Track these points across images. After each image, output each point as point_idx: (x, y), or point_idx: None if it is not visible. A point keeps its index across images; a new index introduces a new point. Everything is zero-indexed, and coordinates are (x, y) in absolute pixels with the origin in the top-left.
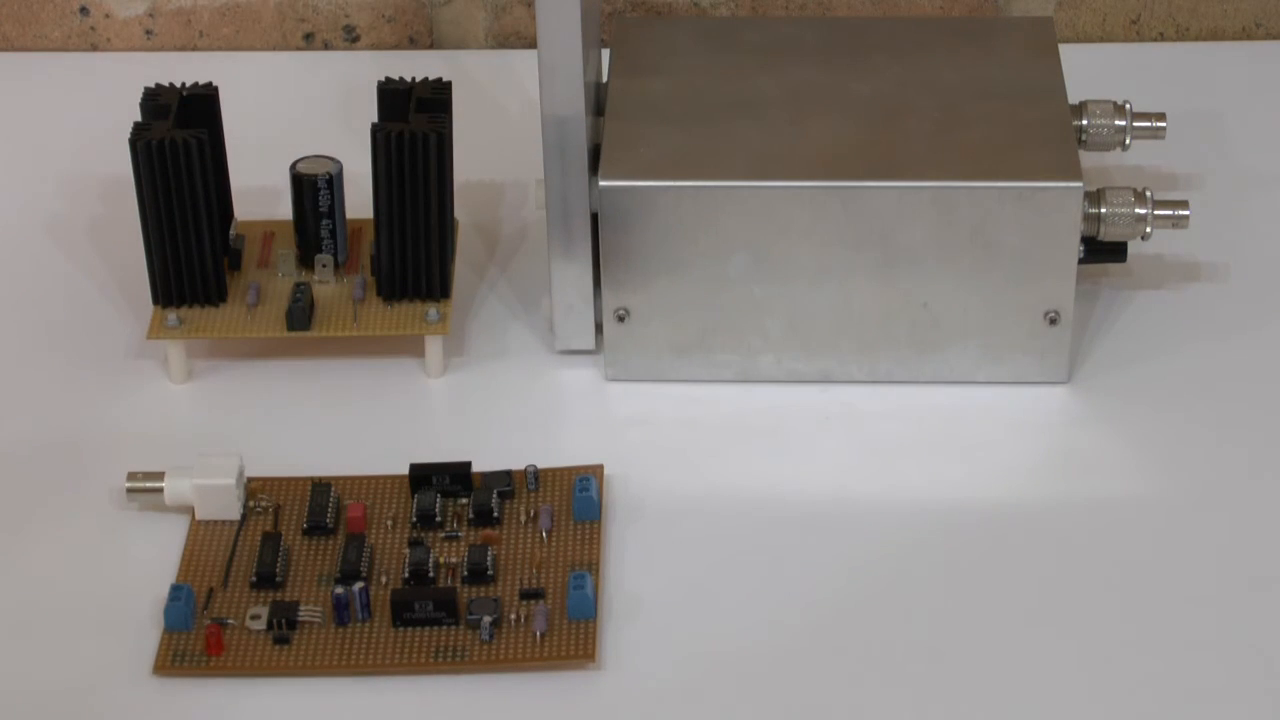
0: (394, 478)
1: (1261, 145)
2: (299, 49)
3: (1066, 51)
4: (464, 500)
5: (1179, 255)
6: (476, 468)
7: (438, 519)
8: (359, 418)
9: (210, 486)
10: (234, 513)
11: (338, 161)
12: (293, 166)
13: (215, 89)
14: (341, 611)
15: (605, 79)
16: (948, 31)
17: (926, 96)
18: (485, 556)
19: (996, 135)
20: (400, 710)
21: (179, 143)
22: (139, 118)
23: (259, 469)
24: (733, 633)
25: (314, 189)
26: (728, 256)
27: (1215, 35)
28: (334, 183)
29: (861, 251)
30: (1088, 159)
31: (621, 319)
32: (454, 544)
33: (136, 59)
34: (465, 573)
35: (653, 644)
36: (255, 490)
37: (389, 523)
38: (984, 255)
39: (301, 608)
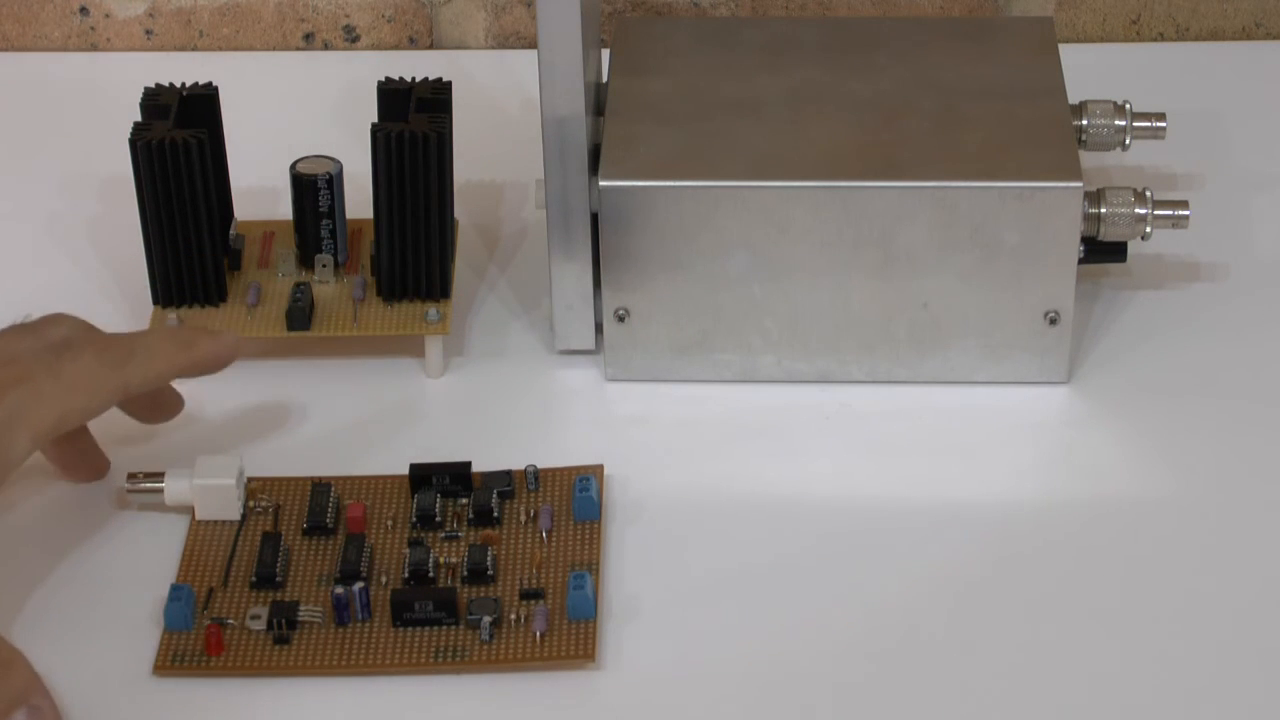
0: (394, 478)
1: (1261, 145)
2: (299, 49)
3: (1066, 51)
4: (464, 500)
5: (1179, 255)
6: (476, 468)
7: (438, 519)
8: (359, 418)
9: (210, 486)
10: (234, 513)
11: (338, 161)
12: (293, 166)
13: (215, 89)
14: (341, 611)
15: (605, 79)
16: (948, 31)
17: (926, 96)
18: (485, 556)
19: (996, 135)
20: (400, 710)
21: (179, 143)
22: (139, 118)
23: (259, 469)
24: (733, 633)
25: (314, 189)
26: (728, 256)
27: (1215, 35)
28: (334, 183)
29: (861, 251)
30: (1088, 159)
31: (621, 319)
32: (454, 544)
33: (136, 59)
34: (465, 573)
35: (653, 644)
36: (255, 490)
37: (389, 523)
38: (984, 255)
39: (301, 608)
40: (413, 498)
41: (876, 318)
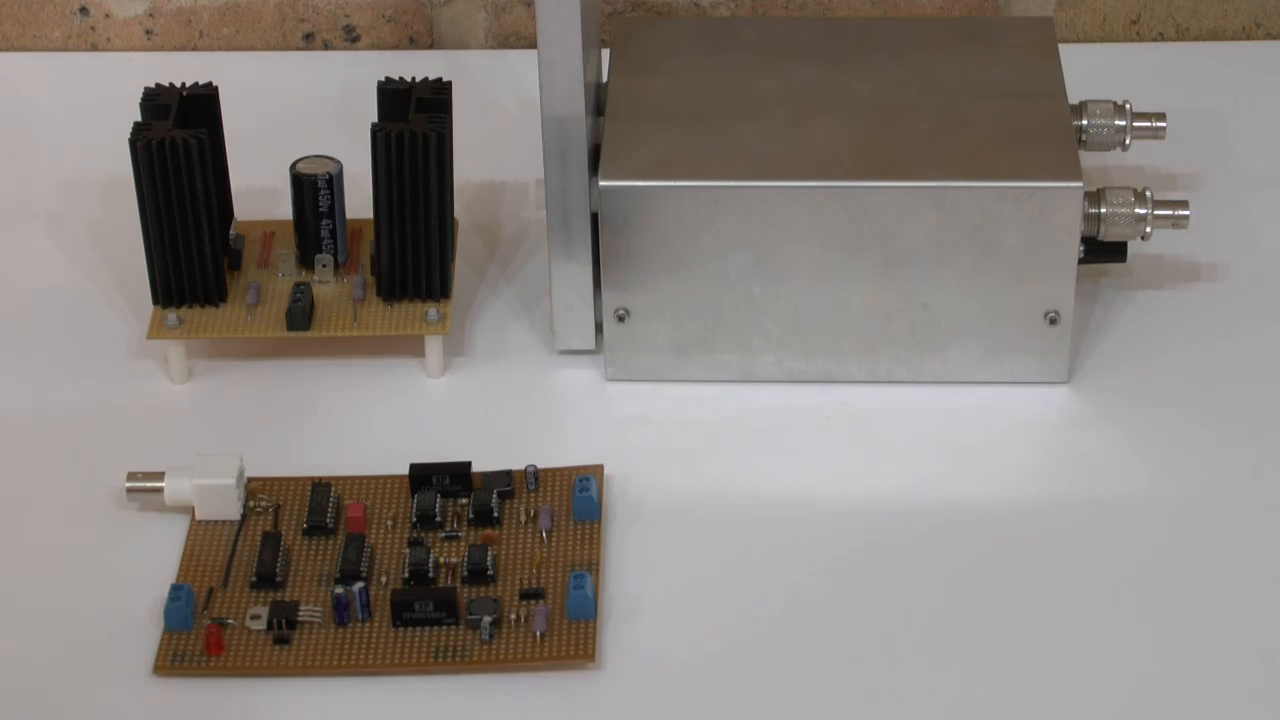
0: (394, 478)
1: (1261, 145)
2: (299, 49)
3: (1066, 51)
4: (464, 500)
5: (1179, 255)
6: (476, 468)
7: (438, 519)
8: (359, 418)
9: (210, 486)
10: (234, 513)
11: (338, 161)
12: (293, 166)
13: (215, 89)
14: (341, 611)
15: (605, 79)
16: (948, 31)
17: (926, 96)
18: (485, 556)
19: (996, 135)
20: (400, 710)
21: (179, 143)
22: (139, 118)
23: (259, 469)
24: (732, 633)
25: (314, 189)
26: (728, 256)
27: (1215, 35)
28: (334, 183)
29: (861, 251)
30: (1088, 159)
31: (621, 319)
32: (454, 544)
33: (136, 59)
34: (465, 573)
35: (653, 644)
36: (255, 490)
37: (389, 523)
38: (984, 255)
39: (301, 608)
40: (413, 498)
41: (876, 318)
